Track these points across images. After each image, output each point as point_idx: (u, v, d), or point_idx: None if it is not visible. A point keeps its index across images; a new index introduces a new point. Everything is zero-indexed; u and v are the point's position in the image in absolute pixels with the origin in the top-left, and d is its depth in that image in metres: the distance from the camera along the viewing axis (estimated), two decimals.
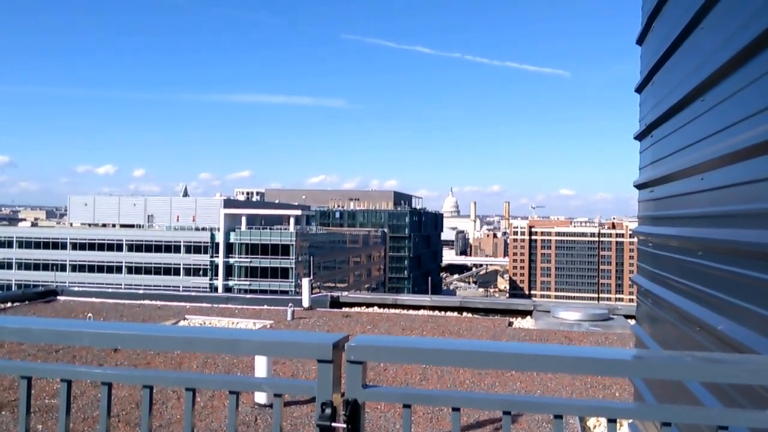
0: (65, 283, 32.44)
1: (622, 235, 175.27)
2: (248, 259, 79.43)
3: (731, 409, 2.39)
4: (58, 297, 20.97)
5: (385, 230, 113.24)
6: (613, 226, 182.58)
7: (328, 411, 1.98)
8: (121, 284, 62.55)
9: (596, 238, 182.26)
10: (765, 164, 2.69)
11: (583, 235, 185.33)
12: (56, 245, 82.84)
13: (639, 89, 5.23)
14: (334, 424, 1.97)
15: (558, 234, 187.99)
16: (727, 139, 3.13)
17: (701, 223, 3.56)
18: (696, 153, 3.61)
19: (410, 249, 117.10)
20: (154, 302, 20.35)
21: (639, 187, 5.24)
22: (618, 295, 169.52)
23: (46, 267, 78.51)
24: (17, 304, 19.31)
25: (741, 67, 3.00)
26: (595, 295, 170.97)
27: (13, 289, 52.19)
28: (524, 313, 18.87)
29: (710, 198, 3.44)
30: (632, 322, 14.48)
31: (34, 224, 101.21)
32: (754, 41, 2.79)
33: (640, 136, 5.20)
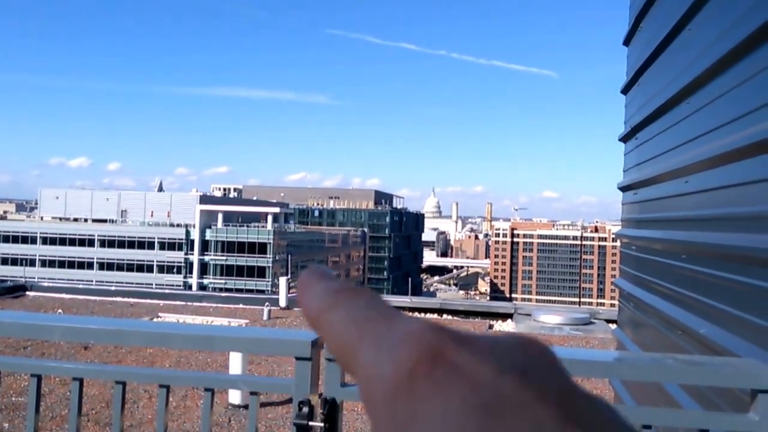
0: (34, 278, 31.84)
1: (605, 239, 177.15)
2: (224, 257, 78.72)
3: (711, 412, 2.39)
4: (27, 292, 20.53)
5: (365, 230, 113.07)
6: (596, 230, 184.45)
7: (305, 410, 1.93)
8: (92, 281, 61.61)
9: (579, 242, 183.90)
10: (749, 167, 2.69)
11: (566, 238, 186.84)
12: (26, 239, 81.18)
13: (625, 90, 5.25)
14: (311, 423, 1.92)
15: (540, 237, 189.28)
16: (711, 142, 3.13)
17: (685, 226, 3.56)
18: (681, 155, 3.61)
19: (390, 249, 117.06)
20: (126, 299, 20.03)
21: (623, 189, 5.25)
22: (599, 300, 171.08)
23: (14, 262, 76.84)
24: None
25: (726, 70, 3.00)
26: (577, 299, 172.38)
27: None
28: (505, 316, 18.93)
29: (694, 201, 3.45)
30: (613, 326, 14.61)
31: (2, 217, 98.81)
32: (739, 45, 2.79)
33: (625, 138, 5.22)
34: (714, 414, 2.28)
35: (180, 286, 73.48)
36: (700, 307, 3.19)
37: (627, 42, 5.27)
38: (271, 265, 77.13)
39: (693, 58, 3.46)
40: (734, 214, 2.85)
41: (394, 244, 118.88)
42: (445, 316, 19.08)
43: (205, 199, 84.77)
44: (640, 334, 4.58)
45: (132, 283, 49.35)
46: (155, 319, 16.74)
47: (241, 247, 78.26)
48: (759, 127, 2.52)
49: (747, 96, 2.73)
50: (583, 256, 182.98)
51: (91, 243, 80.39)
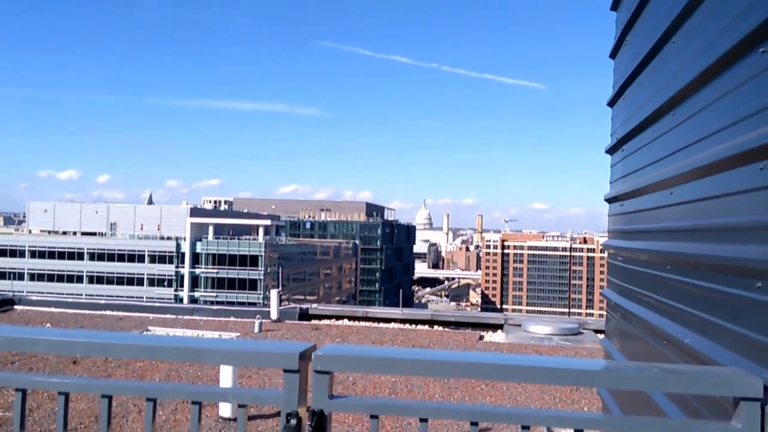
0: (23, 292, 31.48)
1: (593, 250, 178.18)
2: (215, 270, 78.31)
3: (695, 420, 2.42)
4: (15, 306, 20.33)
5: (357, 242, 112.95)
6: (585, 241, 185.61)
7: (293, 422, 1.94)
8: (81, 294, 61.02)
9: (568, 253, 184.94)
10: (732, 179, 2.73)
11: (555, 249, 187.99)
12: (14, 253, 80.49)
13: (611, 103, 5.30)
14: None
15: (530, 248, 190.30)
16: (695, 153, 3.17)
17: (669, 237, 3.60)
18: (665, 167, 3.65)
19: (382, 261, 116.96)
20: (115, 313, 19.87)
21: (609, 201, 5.29)
22: (588, 310, 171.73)
23: (2, 275, 75.98)
24: None
25: (710, 82, 3.05)
26: (566, 310, 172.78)
27: None
28: (495, 327, 19.00)
29: (678, 212, 3.48)
30: (601, 336, 14.67)
31: None
32: (720, 58, 2.84)
33: (611, 150, 5.27)
34: (698, 422, 2.31)
35: (170, 299, 72.95)
36: (685, 317, 3.22)
37: (613, 55, 5.34)
38: (262, 277, 76.77)
39: (677, 70, 3.51)
40: (718, 224, 2.89)
41: (385, 256, 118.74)
42: (435, 327, 19.09)
43: (195, 211, 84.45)
44: (626, 344, 4.60)
45: (122, 297, 48.94)
46: (145, 333, 16.61)
47: (232, 260, 77.89)
48: (741, 138, 2.56)
49: (730, 108, 2.78)
50: (573, 267, 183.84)
51: (80, 256, 79.80)
